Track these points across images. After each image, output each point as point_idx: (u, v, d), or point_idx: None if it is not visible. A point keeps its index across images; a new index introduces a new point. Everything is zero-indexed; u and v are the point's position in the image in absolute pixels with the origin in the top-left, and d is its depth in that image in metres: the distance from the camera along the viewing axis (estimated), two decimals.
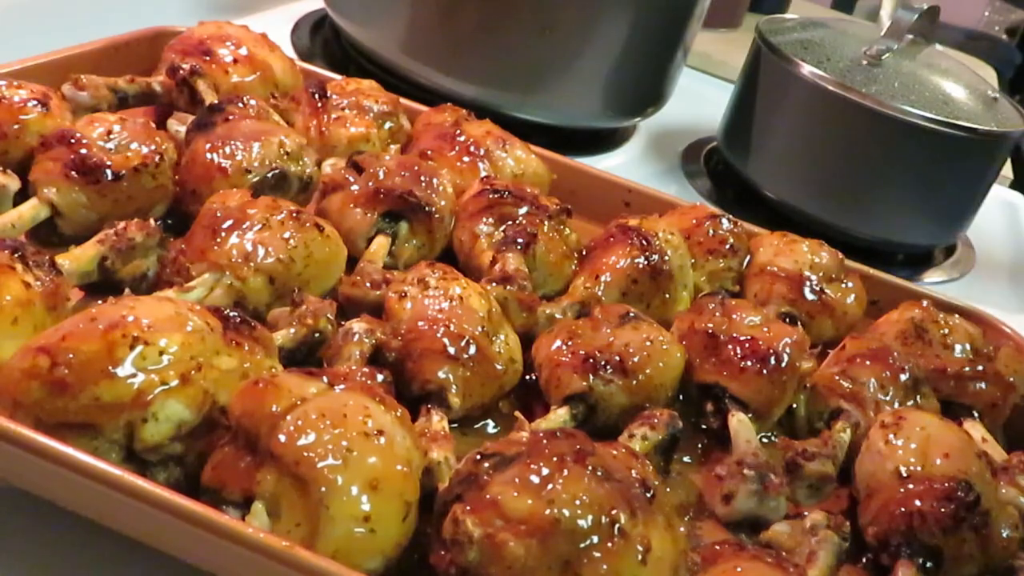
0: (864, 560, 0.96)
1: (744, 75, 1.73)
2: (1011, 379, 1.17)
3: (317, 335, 0.96)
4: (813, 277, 1.25)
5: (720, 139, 1.79)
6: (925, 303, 1.24)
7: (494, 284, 1.07)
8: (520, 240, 1.14)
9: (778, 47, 1.63)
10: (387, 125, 1.34)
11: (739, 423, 1.02)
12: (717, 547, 0.82)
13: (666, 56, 1.71)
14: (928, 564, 0.91)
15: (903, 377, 1.10)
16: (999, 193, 2.04)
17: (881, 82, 1.58)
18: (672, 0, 1.63)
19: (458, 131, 1.34)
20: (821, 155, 1.61)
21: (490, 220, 1.18)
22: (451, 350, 0.96)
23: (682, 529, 0.79)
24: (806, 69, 1.57)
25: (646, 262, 1.16)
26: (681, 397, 1.08)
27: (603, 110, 1.69)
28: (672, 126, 1.92)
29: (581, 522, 0.70)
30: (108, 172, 1.05)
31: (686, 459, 1.04)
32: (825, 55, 1.63)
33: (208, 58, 1.32)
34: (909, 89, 1.57)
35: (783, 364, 1.06)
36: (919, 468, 0.95)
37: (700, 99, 1.99)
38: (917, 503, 0.93)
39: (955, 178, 1.60)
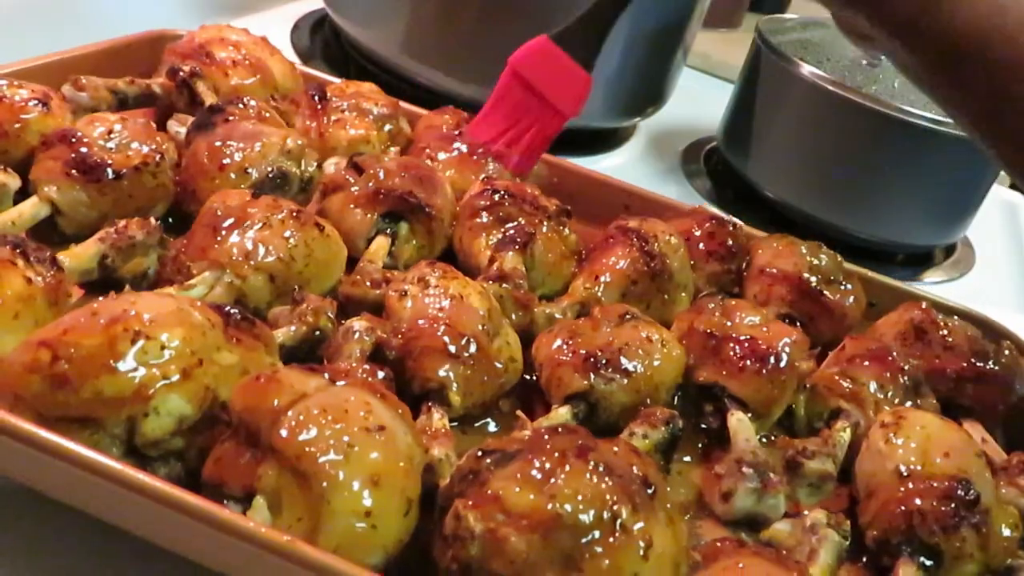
0: (864, 559, 0.96)
1: (744, 75, 1.73)
2: (1011, 379, 1.17)
3: (317, 333, 0.96)
4: (812, 279, 1.25)
5: (720, 139, 1.79)
6: (924, 304, 1.24)
7: (490, 282, 1.07)
8: (518, 240, 1.14)
9: (778, 47, 1.63)
10: (386, 128, 1.34)
11: (738, 422, 1.02)
12: (718, 544, 0.82)
13: (666, 56, 1.71)
14: (928, 563, 0.91)
15: (903, 377, 1.10)
16: (999, 193, 2.05)
17: (881, 82, 1.58)
18: (672, 0, 1.64)
19: (459, 133, 1.34)
20: (821, 155, 1.60)
21: (490, 220, 1.18)
22: (451, 348, 0.96)
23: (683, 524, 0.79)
24: (806, 69, 1.57)
25: (645, 263, 1.16)
26: (681, 396, 1.08)
27: (603, 110, 1.69)
28: (672, 126, 1.92)
29: (583, 517, 0.70)
30: (108, 171, 1.05)
31: (686, 458, 1.03)
32: (825, 55, 1.63)
33: (208, 60, 1.32)
34: (909, 89, 1.57)
35: (782, 364, 1.06)
36: (919, 467, 0.95)
37: (700, 99, 1.99)
38: (917, 502, 0.93)
39: (955, 178, 1.60)
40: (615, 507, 0.71)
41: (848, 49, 1.67)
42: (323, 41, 1.85)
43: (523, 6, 1.53)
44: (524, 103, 1.31)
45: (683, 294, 1.21)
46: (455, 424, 0.96)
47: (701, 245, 1.28)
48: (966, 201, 1.66)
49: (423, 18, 1.58)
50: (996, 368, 1.17)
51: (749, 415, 1.04)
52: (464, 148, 1.32)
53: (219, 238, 1.00)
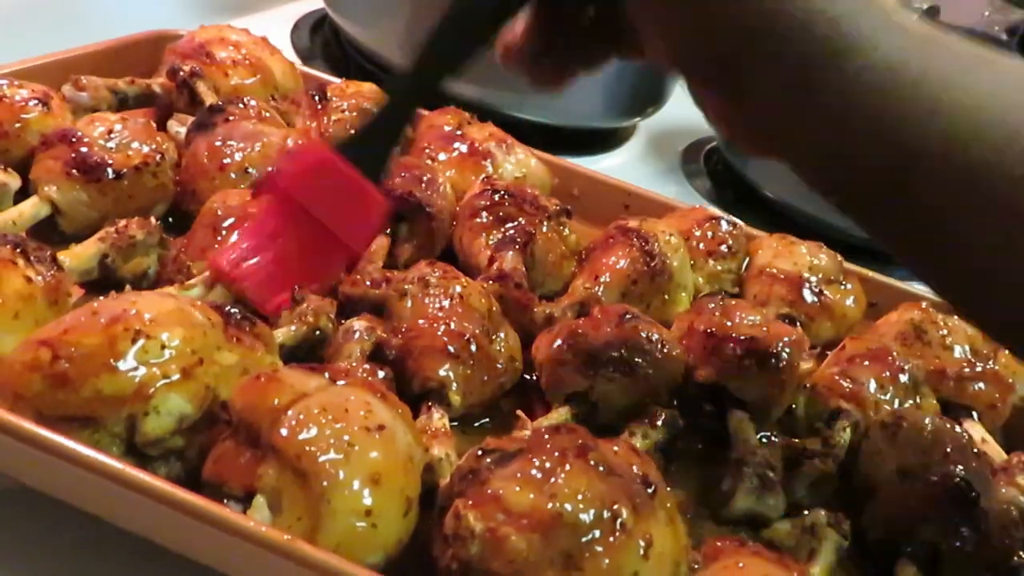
0: (864, 559, 0.96)
1: None
2: (1010, 380, 1.17)
3: (318, 333, 0.96)
4: (812, 279, 1.25)
5: (720, 139, 1.79)
6: (924, 304, 1.24)
7: (490, 282, 1.07)
8: (518, 239, 1.14)
9: None
10: None
11: (738, 422, 1.02)
12: (719, 543, 0.82)
13: None
14: (928, 563, 0.92)
15: (903, 377, 1.10)
16: None
17: None
18: None
19: (460, 133, 1.34)
20: None
21: (490, 220, 1.18)
22: (451, 348, 0.96)
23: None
24: None
25: (646, 263, 1.16)
26: (681, 396, 1.08)
27: (603, 110, 1.69)
28: (672, 126, 1.92)
29: (583, 516, 0.70)
30: (109, 171, 1.05)
31: (686, 458, 1.03)
32: None
33: (208, 60, 1.32)
34: None
35: (782, 363, 1.06)
36: (919, 467, 0.96)
37: None
38: (917, 502, 0.93)
39: None
40: (615, 506, 0.71)
41: None
42: (323, 41, 1.85)
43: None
44: (289, 233, 0.95)
45: (683, 294, 1.21)
46: (455, 424, 0.96)
47: (701, 245, 1.28)
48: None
49: (423, 18, 1.56)
50: (996, 368, 1.17)
51: (749, 415, 1.04)
52: (464, 148, 1.32)
53: (220, 238, 1.00)
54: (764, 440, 1.06)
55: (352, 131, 0.96)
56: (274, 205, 0.95)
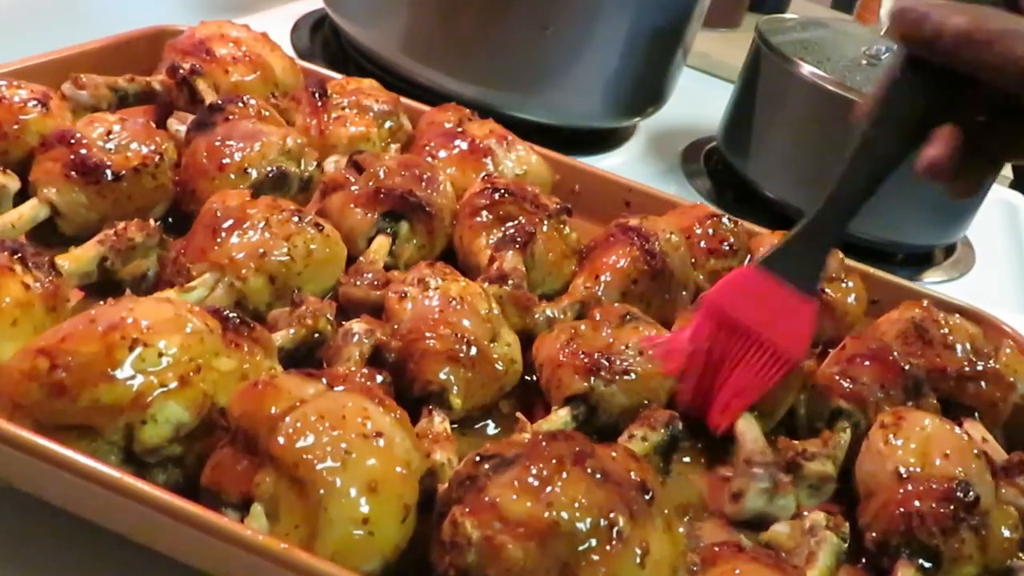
0: (863, 561, 0.96)
1: (744, 75, 1.73)
2: (1011, 379, 1.16)
3: (317, 336, 0.96)
4: None
5: (720, 139, 1.79)
6: (925, 303, 1.24)
7: (490, 283, 1.07)
8: (518, 238, 1.14)
9: (778, 47, 1.62)
10: (387, 124, 1.34)
11: (745, 422, 1.02)
12: (716, 548, 0.82)
13: (666, 56, 1.71)
14: (927, 565, 0.91)
15: (903, 377, 1.10)
16: (999, 193, 2.04)
17: None
18: (672, 0, 1.63)
19: (461, 130, 1.34)
20: (821, 155, 1.60)
21: (490, 219, 1.18)
22: (452, 351, 0.95)
23: (681, 530, 0.79)
24: (806, 69, 1.57)
25: (646, 262, 1.16)
26: None
27: (603, 110, 1.69)
28: (672, 126, 1.92)
29: (580, 525, 0.70)
30: (108, 172, 1.05)
31: (686, 459, 1.04)
32: (825, 55, 1.63)
33: (208, 57, 1.32)
34: None
35: None
36: (918, 468, 0.95)
37: (700, 99, 1.99)
38: (916, 504, 0.93)
39: None
40: (612, 515, 0.71)
41: (848, 49, 1.66)
42: (323, 41, 1.85)
43: (523, 5, 1.53)
44: (726, 348, 1.05)
45: (684, 293, 1.20)
46: (454, 426, 0.96)
47: (702, 243, 1.27)
48: (966, 201, 1.66)
49: (423, 18, 1.58)
50: (997, 367, 1.16)
51: (755, 414, 1.04)
52: (465, 145, 1.32)
53: (219, 239, 1.00)
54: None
55: (777, 247, 1.07)
56: (707, 321, 1.05)
